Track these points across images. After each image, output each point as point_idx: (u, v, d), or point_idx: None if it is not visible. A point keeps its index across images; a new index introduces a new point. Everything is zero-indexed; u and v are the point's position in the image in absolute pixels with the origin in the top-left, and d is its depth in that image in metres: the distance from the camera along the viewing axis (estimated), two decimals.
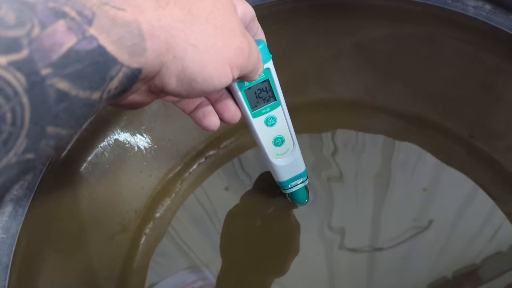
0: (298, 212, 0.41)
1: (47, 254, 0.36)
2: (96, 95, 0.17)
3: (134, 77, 0.19)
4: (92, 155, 0.39)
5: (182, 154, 0.45)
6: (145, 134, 0.43)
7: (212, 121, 0.28)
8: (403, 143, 0.43)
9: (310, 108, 0.46)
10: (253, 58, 0.23)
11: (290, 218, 0.41)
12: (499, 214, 0.39)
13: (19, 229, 0.35)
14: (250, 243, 0.40)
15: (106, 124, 0.41)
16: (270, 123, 0.32)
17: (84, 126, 0.39)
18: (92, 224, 0.39)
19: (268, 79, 0.29)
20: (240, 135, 0.46)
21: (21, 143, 0.15)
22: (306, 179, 0.38)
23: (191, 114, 0.28)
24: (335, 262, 0.38)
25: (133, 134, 0.42)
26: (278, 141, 0.33)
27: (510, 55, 0.40)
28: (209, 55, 0.20)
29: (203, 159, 0.45)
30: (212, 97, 0.28)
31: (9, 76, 0.14)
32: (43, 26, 0.15)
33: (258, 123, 0.31)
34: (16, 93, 0.14)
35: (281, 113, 0.31)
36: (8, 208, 0.34)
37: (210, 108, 0.28)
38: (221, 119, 0.29)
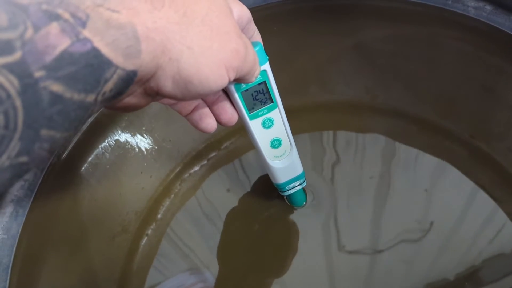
0: (298, 214, 0.41)
1: (48, 254, 0.36)
2: (90, 98, 0.17)
3: (129, 79, 0.18)
4: (92, 156, 0.40)
5: (183, 155, 0.45)
6: (146, 135, 0.43)
7: (209, 123, 0.28)
8: (404, 144, 0.43)
9: (310, 108, 0.46)
10: (249, 60, 0.23)
11: (289, 220, 0.41)
12: (501, 215, 0.38)
13: (19, 230, 0.35)
14: (250, 245, 0.40)
15: (107, 125, 0.41)
16: (267, 125, 0.31)
17: (83, 128, 0.39)
18: (93, 225, 0.39)
19: (265, 81, 0.28)
20: (240, 137, 0.46)
21: (14, 146, 0.15)
22: (304, 181, 0.38)
23: (188, 116, 0.28)
24: (335, 264, 0.38)
25: (133, 135, 0.42)
26: (276, 143, 0.33)
27: (510, 56, 0.39)
28: (205, 57, 0.20)
29: (205, 161, 0.45)
30: (209, 100, 0.28)
31: (1, 79, 0.14)
32: (36, 28, 0.15)
33: (255, 125, 0.31)
34: (9, 95, 0.14)
35: (278, 115, 0.31)
36: (9, 209, 0.34)
37: (207, 110, 0.28)
38: (218, 121, 0.28)
